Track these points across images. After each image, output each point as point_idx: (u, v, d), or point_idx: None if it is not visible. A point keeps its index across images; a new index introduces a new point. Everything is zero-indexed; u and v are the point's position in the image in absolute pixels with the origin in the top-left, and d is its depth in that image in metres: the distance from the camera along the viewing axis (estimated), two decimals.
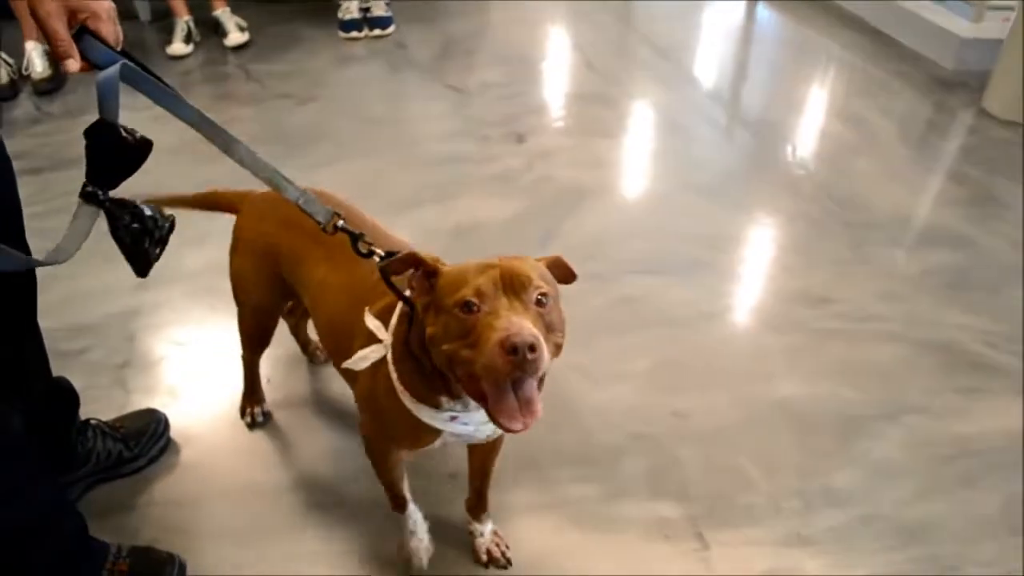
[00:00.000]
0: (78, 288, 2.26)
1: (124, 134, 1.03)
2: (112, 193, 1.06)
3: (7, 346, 1.40)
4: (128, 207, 1.07)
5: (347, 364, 1.30)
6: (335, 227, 1.26)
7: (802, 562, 1.65)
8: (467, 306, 1.04)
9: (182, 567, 1.61)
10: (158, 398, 2.00)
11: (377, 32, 4.01)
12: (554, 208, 2.69)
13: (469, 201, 2.74)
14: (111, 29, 1.14)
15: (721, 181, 2.86)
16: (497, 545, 1.64)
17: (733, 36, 4.15)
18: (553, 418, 1.95)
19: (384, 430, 1.40)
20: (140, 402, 1.96)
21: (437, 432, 1.30)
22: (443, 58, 3.80)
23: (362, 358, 1.28)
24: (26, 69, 3.52)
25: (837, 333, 2.19)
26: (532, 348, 0.97)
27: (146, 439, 1.84)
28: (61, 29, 1.07)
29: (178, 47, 3.85)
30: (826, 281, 2.36)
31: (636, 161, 3.09)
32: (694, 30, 4.17)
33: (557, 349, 1.09)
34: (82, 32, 1.10)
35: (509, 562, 1.63)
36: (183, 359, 2.13)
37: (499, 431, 1.25)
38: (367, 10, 4.03)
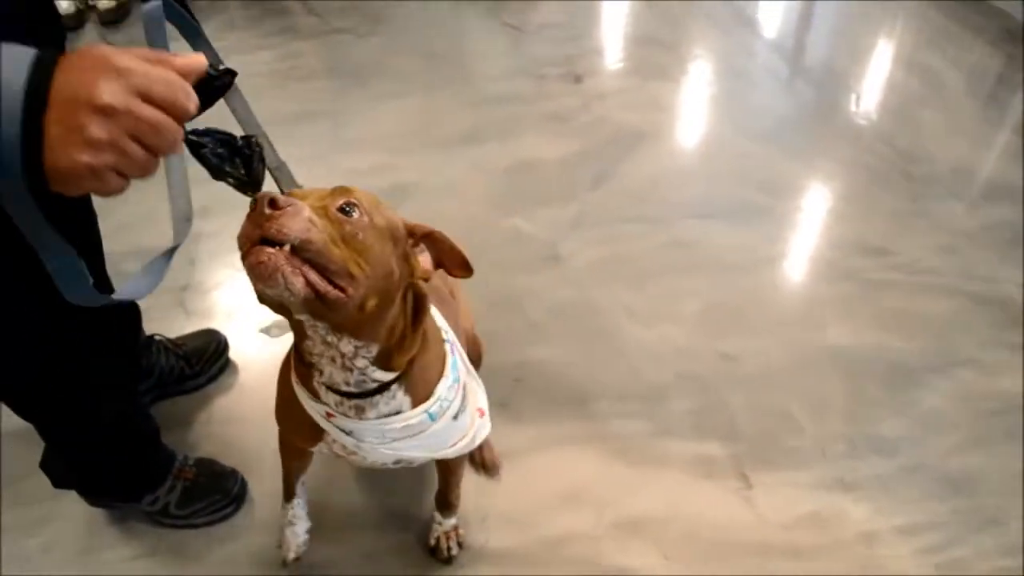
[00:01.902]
0: (140, 212, 2.30)
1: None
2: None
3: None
4: (212, 134, 1.03)
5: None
6: None
7: (844, 507, 1.67)
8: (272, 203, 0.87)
9: (243, 483, 1.69)
10: (216, 321, 2.06)
11: None
12: (609, 149, 2.68)
13: (524, 139, 2.74)
14: None
15: (781, 128, 2.82)
16: (448, 537, 1.58)
17: None
18: (601, 354, 1.99)
19: (278, 408, 1.31)
20: (199, 324, 2.02)
21: (319, 432, 1.20)
22: None
23: (276, 325, 1.17)
24: (92, 0, 3.57)
25: (892, 284, 2.17)
26: (273, 204, 0.84)
27: (206, 358, 1.90)
28: None
29: None
30: (883, 232, 2.33)
31: (694, 106, 3.04)
32: None
33: (349, 278, 0.90)
34: None
35: (450, 560, 1.57)
36: (242, 284, 2.19)
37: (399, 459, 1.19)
38: None
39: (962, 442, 1.79)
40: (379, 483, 1.70)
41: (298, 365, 1.14)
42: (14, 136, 0.62)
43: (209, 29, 3.53)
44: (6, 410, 1.41)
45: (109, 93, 0.64)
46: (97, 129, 0.64)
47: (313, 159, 2.65)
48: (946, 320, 2.07)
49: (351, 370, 1.04)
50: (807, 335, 2.04)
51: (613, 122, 2.83)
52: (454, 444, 1.24)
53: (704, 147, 2.82)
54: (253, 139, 1.01)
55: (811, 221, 2.44)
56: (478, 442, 1.29)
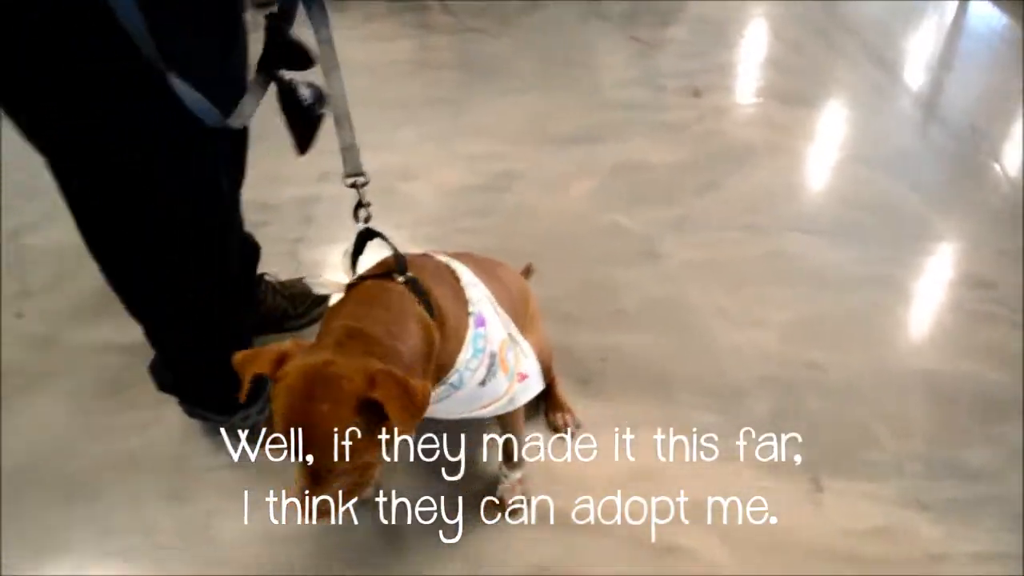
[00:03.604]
0: (270, 171, 2.44)
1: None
2: None
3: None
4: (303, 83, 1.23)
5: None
6: (352, 185, 1.28)
7: (916, 525, 1.63)
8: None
9: None
10: (324, 271, 2.18)
11: None
12: (720, 161, 2.70)
13: (635, 143, 2.79)
14: None
15: (898, 158, 2.78)
16: (513, 491, 1.63)
17: (939, 27, 3.96)
18: (687, 348, 2.01)
19: None
20: (308, 273, 2.15)
21: None
22: (633, 14, 3.83)
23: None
24: None
25: (993, 317, 2.11)
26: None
27: (309, 302, 2.01)
28: None
29: None
30: (992, 266, 2.27)
31: (812, 128, 3.02)
32: (897, 17, 3.99)
33: (358, 483, 1.14)
34: None
35: (514, 513, 1.63)
36: (348, 244, 2.30)
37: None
38: None
39: None
40: (455, 433, 1.76)
41: None
42: None
43: (351, 19, 3.76)
44: (122, 326, 1.55)
45: None
46: None
47: (434, 139, 2.78)
48: None
49: None
50: (899, 356, 2.01)
51: (727, 136, 2.86)
52: (486, 406, 1.35)
53: (817, 168, 2.80)
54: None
55: (919, 248, 2.39)
56: (519, 403, 1.41)
